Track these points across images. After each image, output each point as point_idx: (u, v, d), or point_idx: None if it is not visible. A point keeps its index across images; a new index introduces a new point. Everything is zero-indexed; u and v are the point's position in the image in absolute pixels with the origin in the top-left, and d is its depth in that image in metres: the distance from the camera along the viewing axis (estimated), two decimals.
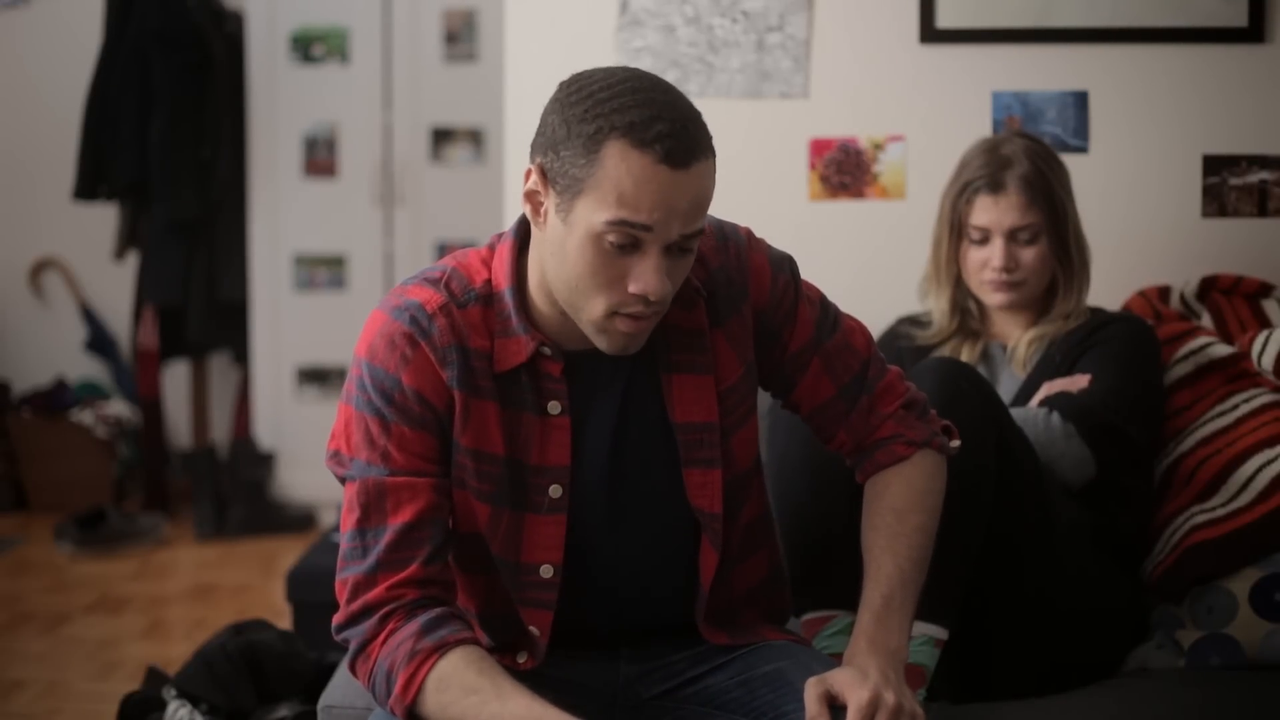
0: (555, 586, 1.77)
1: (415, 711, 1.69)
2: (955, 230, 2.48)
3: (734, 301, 1.82)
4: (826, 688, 1.68)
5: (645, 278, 1.64)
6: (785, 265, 1.88)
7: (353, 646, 1.73)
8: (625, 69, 1.68)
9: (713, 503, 1.80)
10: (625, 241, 1.63)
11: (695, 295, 1.79)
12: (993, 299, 2.47)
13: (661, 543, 1.83)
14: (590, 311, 1.68)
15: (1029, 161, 2.42)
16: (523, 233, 1.77)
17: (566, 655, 1.83)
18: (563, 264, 1.67)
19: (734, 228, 1.87)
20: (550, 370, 1.75)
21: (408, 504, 1.72)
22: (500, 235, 1.80)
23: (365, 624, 1.71)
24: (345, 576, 1.73)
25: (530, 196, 1.70)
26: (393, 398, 1.72)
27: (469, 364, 1.73)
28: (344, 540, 1.75)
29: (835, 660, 1.81)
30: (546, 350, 1.74)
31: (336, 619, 1.74)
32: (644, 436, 1.79)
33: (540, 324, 1.75)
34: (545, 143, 1.67)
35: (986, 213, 2.43)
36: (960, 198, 2.46)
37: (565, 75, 1.72)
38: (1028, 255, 2.44)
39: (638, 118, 1.61)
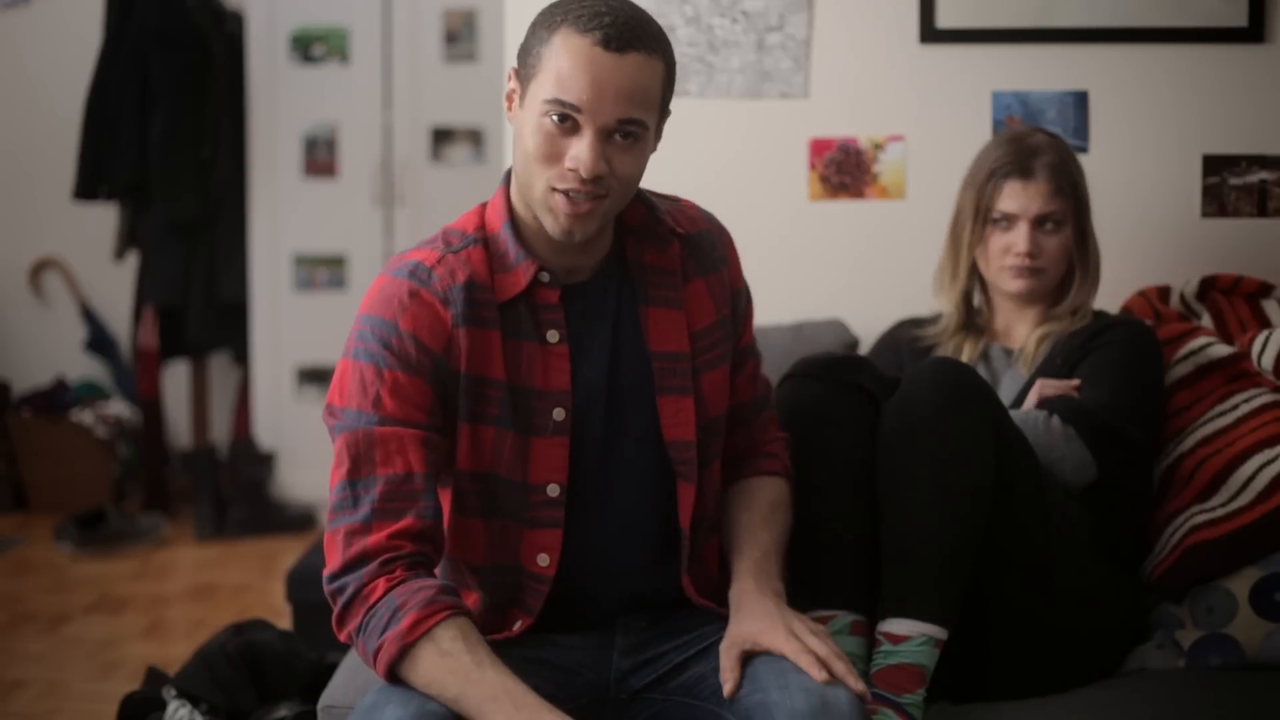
0: (562, 505, 1.86)
1: (407, 655, 1.70)
2: (980, 217, 2.48)
3: (716, 263, 1.99)
4: (741, 647, 1.82)
5: (579, 155, 1.76)
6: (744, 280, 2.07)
7: (349, 591, 1.75)
8: None
9: (686, 430, 1.91)
10: (562, 120, 1.76)
11: (670, 236, 1.94)
12: (1011, 285, 2.47)
13: (644, 480, 1.92)
14: (536, 189, 1.80)
15: (1054, 152, 2.45)
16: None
17: (562, 639, 1.87)
18: (521, 146, 1.80)
19: (721, 224, 2.05)
20: (548, 299, 1.86)
21: (396, 455, 1.78)
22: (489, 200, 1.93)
23: (364, 569, 1.75)
24: (337, 527, 1.77)
25: (509, 96, 1.84)
26: (389, 343, 1.79)
27: (472, 297, 1.83)
28: (334, 493, 1.79)
29: None
30: (545, 276, 1.86)
31: (330, 568, 1.77)
32: (631, 368, 1.91)
33: (536, 253, 1.86)
34: (521, 47, 1.82)
35: (1015, 198, 2.44)
36: (988, 183, 2.46)
37: None
38: (1051, 243, 2.45)
39: (587, 10, 1.76)
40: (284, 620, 3.47)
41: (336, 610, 1.77)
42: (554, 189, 1.78)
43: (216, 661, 2.73)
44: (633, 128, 1.78)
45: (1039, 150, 2.45)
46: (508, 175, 1.90)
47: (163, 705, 2.73)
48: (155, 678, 2.89)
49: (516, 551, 1.88)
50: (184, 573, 4.64)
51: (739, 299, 2.03)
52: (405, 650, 1.71)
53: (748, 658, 1.83)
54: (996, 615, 2.14)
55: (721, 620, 1.90)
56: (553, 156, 1.78)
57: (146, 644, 3.84)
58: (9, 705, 3.37)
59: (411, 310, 1.80)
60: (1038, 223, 2.44)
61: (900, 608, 2.02)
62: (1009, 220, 2.45)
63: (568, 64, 1.75)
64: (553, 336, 1.87)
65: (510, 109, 1.84)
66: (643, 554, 1.95)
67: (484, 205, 1.92)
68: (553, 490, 1.87)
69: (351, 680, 2.12)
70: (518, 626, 1.86)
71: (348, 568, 1.76)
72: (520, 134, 1.81)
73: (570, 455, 1.87)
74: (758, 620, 1.83)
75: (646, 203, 1.94)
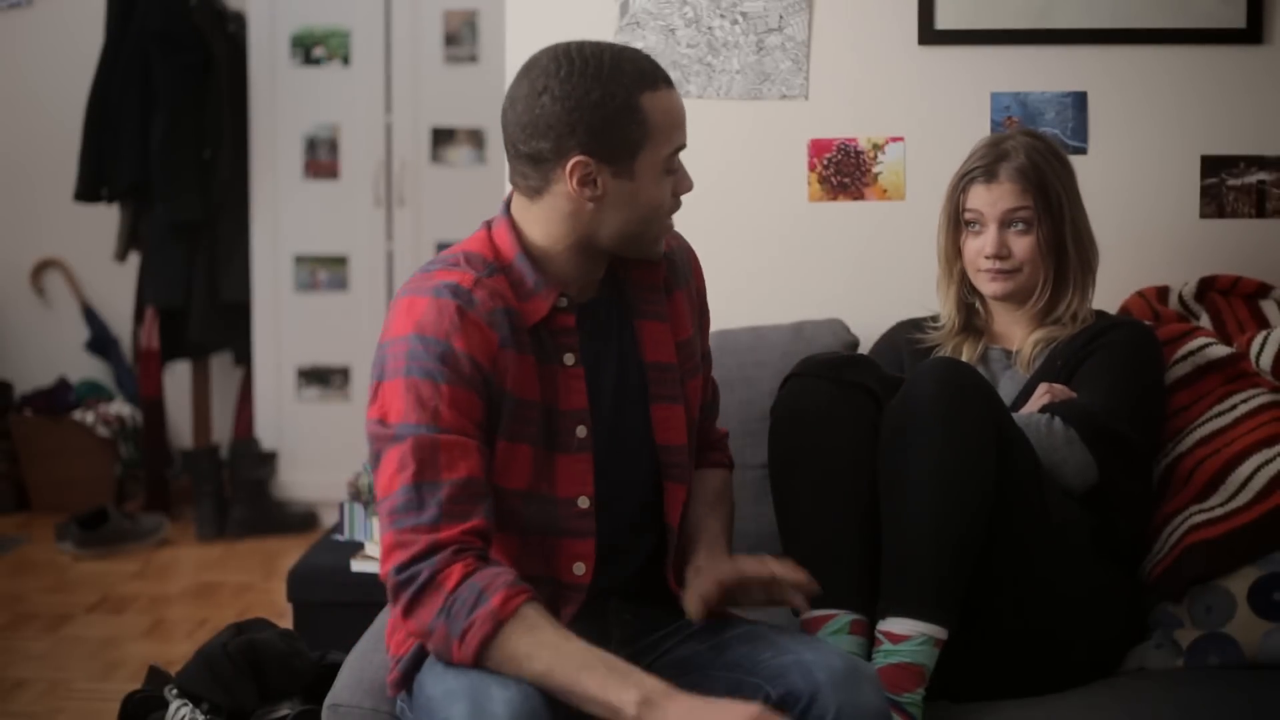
0: (592, 515, 1.95)
1: (502, 631, 1.74)
2: (954, 221, 2.49)
3: (685, 275, 2.09)
4: (714, 577, 1.98)
5: (686, 180, 1.97)
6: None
7: (422, 577, 1.77)
8: (563, 50, 1.91)
9: (678, 435, 2.03)
10: (676, 162, 1.94)
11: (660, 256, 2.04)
12: (988, 289, 2.48)
13: (642, 483, 2.02)
14: (659, 228, 1.96)
15: (1025, 155, 2.44)
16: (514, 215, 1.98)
17: None
18: (635, 208, 1.92)
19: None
20: (565, 323, 1.95)
21: (460, 461, 1.82)
22: (488, 222, 1.99)
23: (437, 557, 1.78)
24: (403, 526, 1.80)
25: (585, 182, 1.89)
26: (445, 359, 1.84)
27: (512, 324, 1.90)
28: (396, 495, 1.81)
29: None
30: (564, 302, 1.94)
31: (397, 561, 1.80)
32: (630, 379, 2.02)
33: (556, 280, 1.95)
34: (583, 139, 1.87)
35: (980, 199, 2.45)
36: (958, 187, 2.48)
37: None
38: (1020, 244, 2.44)
39: (637, 68, 1.89)
40: (285, 620, 3.47)
41: (406, 597, 1.79)
42: (668, 224, 1.98)
43: (218, 661, 2.73)
44: None
45: (1009, 153, 2.44)
46: (507, 209, 1.97)
47: (164, 704, 2.73)
48: (156, 677, 2.89)
49: (552, 563, 1.94)
50: (185, 572, 4.65)
51: (704, 313, 2.14)
52: (500, 626, 1.75)
53: (762, 631, 1.96)
54: (996, 615, 2.15)
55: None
56: (669, 196, 1.95)
57: (148, 643, 3.85)
58: (11, 704, 3.38)
59: (463, 330, 1.85)
60: (1005, 223, 2.44)
61: (900, 607, 2.03)
62: (978, 221, 2.46)
63: (671, 117, 1.91)
64: (569, 359, 1.95)
65: (595, 192, 1.90)
66: (641, 551, 2.04)
67: (488, 233, 1.97)
68: (583, 502, 1.95)
69: (358, 679, 2.12)
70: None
71: (418, 558, 1.79)
72: (632, 201, 1.91)
73: (595, 469, 1.96)
74: (724, 560, 2.02)
75: None
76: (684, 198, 1.99)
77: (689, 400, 2.06)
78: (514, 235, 1.94)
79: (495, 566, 1.80)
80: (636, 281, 2.04)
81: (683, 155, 1.96)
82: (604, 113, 1.86)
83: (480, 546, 1.81)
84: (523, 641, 1.75)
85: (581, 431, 1.95)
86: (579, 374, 1.96)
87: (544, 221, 1.93)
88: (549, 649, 1.74)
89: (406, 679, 1.92)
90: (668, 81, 1.92)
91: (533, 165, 1.90)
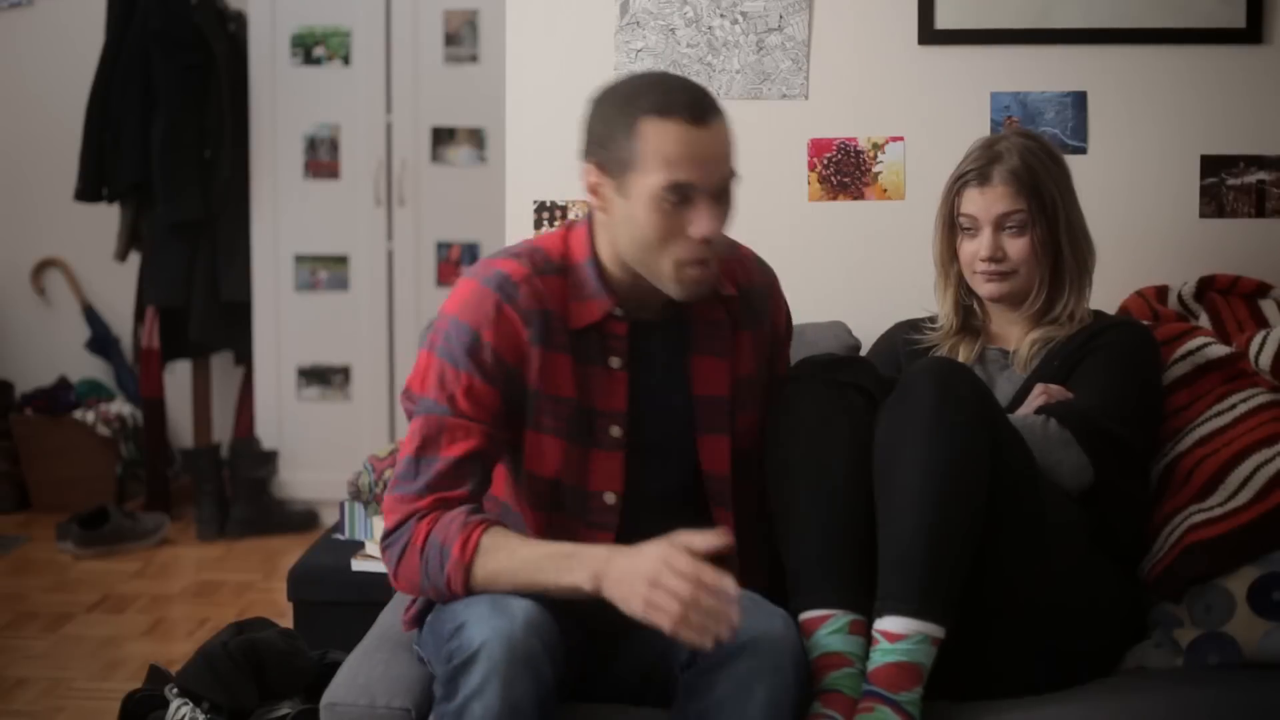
0: (617, 511, 2.08)
1: (472, 569, 1.93)
2: (949, 224, 2.50)
3: (759, 317, 2.20)
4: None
5: (701, 223, 1.96)
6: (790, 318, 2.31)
7: (401, 543, 1.98)
8: (644, 72, 2.10)
9: (723, 465, 2.14)
10: (678, 198, 1.95)
11: (723, 297, 2.14)
12: (984, 289, 2.48)
13: (682, 508, 2.11)
14: (663, 266, 2.00)
15: (1019, 156, 2.43)
16: (592, 220, 2.09)
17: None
18: (634, 229, 1.98)
19: (769, 266, 2.27)
20: (616, 330, 2.07)
21: (461, 441, 1.99)
22: (570, 223, 2.15)
23: (411, 524, 1.98)
24: (396, 493, 2.01)
25: (594, 190, 2.02)
26: (471, 349, 1.99)
27: (548, 324, 2.03)
28: (401, 463, 2.02)
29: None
30: (618, 312, 2.06)
31: (386, 526, 2.00)
32: (678, 408, 2.12)
33: (615, 291, 2.06)
34: (593, 143, 2.01)
35: (974, 203, 2.45)
36: (952, 190, 2.48)
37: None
38: (1015, 246, 2.44)
39: (659, 95, 1.96)
40: (286, 619, 3.48)
41: (391, 565, 1.99)
42: (683, 264, 1.99)
43: (218, 660, 2.74)
44: (731, 182, 2.00)
45: (1002, 156, 2.44)
46: (590, 217, 2.08)
47: (165, 703, 2.73)
48: (157, 676, 2.90)
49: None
50: (186, 571, 4.66)
51: (781, 350, 2.26)
52: (469, 566, 1.93)
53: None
54: (995, 614, 2.15)
55: None
56: (674, 231, 1.96)
57: (148, 642, 3.85)
58: (12, 703, 3.38)
59: (496, 325, 2.00)
60: (1000, 226, 2.44)
61: (896, 606, 2.03)
62: (973, 225, 2.47)
63: (672, 150, 1.93)
64: (615, 363, 2.07)
65: (603, 203, 2.01)
66: None
67: (566, 232, 2.10)
68: (609, 498, 2.08)
69: (354, 678, 2.13)
70: None
71: (399, 525, 1.98)
72: (631, 220, 1.98)
73: (625, 468, 2.08)
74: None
75: None
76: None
77: (738, 431, 2.15)
78: (590, 241, 2.07)
79: (449, 512, 1.95)
80: (698, 316, 2.12)
81: None
82: (608, 127, 1.97)
83: (456, 503, 1.97)
84: (488, 567, 1.92)
85: (615, 431, 2.07)
86: (622, 378, 2.07)
87: (601, 227, 2.06)
88: (509, 565, 1.92)
89: (422, 617, 2.08)
90: (694, 118, 1.94)
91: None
